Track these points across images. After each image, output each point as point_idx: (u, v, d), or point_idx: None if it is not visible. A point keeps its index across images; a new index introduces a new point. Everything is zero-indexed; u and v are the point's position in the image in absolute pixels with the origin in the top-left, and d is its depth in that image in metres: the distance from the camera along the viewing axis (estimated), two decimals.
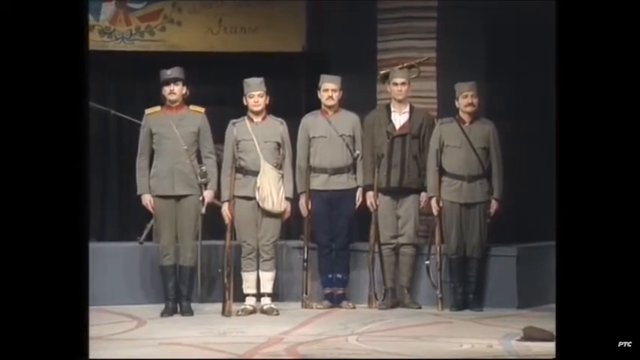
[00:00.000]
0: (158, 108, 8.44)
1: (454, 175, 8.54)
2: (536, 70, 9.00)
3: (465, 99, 8.55)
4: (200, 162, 8.37)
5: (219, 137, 8.54)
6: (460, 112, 8.60)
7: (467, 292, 8.54)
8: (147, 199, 8.35)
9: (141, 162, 8.39)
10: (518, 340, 6.96)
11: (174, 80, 8.32)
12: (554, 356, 5.76)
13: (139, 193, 8.39)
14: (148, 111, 8.45)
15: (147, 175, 8.35)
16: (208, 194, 8.32)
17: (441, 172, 8.57)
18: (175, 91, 8.33)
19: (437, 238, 8.60)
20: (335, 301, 8.71)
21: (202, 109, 8.45)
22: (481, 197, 8.54)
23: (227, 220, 8.43)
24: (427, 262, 8.64)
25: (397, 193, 8.72)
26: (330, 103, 8.71)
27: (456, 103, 8.60)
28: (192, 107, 8.44)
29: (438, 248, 8.58)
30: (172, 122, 8.31)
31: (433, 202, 8.59)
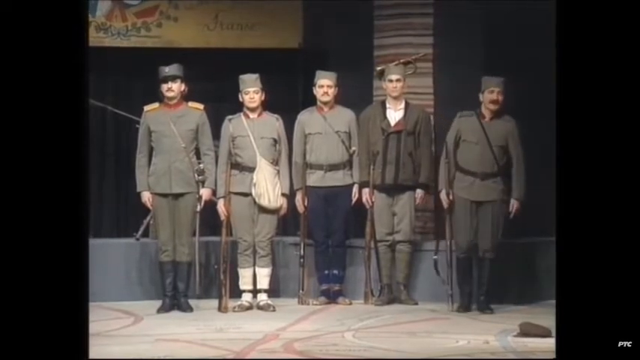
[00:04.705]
0: (157, 104, 8.44)
1: (467, 171, 8.31)
2: (534, 67, 9.01)
3: (491, 94, 8.30)
4: (199, 159, 8.37)
5: (215, 134, 8.55)
6: (482, 107, 8.37)
7: (478, 294, 8.29)
8: (146, 197, 8.35)
9: (140, 159, 8.39)
10: (514, 336, 6.98)
11: (173, 78, 8.31)
12: (550, 351, 5.78)
13: (138, 190, 8.39)
14: (146, 108, 8.45)
15: (146, 173, 8.35)
16: (206, 192, 8.32)
17: (455, 167, 8.34)
18: (173, 88, 8.33)
19: (447, 234, 8.36)
20: (331, 298, 8.72)
21: (201, 106, 8.45)
22: (494, 196, 8.29)
23: (223, 217, 8.43)
24: (435, 257, 8.42)
25: (393, 190, 8.71)
26: (326, 99, 8.72)
27: (480, 97, 8.35)
28: (191, 104, 8.44)
29: (448, 243, 8.35)
30: (170, 120, 8.31)
31: (443, 195, 8.36)
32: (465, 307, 8.27)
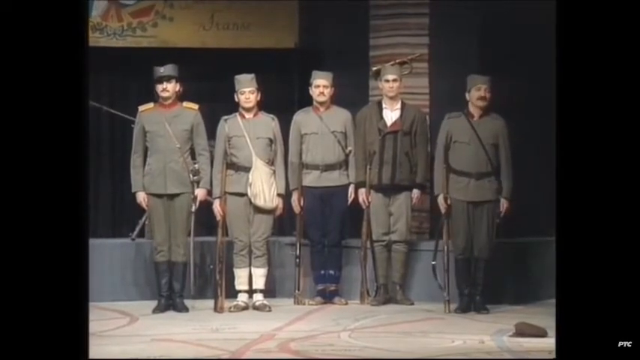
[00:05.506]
0: (151, 105, 8.44)
1: (461, 172, 8.26)
2: (530, 67, 9.02)
3: (478, 92, 8.25)
4: (194, 159, 8.37)
5: (211, 134, 8.54)
6: (470, 106, 8.33)
7: (474, 294, 8.24)
8: (141, 197, 8.35)
9: (135, 159, 8.39)
10: (510, 336, 6.99)
11: (168, 78, 8.31)
12: (545, 351, 5.78)
13: (133, 190, 8.39)
14: (141, 108, 8.45)
15: (141, 173, 8.35)
16: (201, 192, 8.31)
17: (448, 168, 8.28)
18: (168, 88, 8.32)
19: (444, 237, 8.28)
20: (327, 298, 8.73)
21: (196, 106, 8.45)
22: (490, 196, 8.24)
23: (218, 217, 8.43)
24: (433, 262, 8.30)
25: (389, 190, 8.71)
26: (322, 99, 8.72)
27: (467, 96, 8.32)
28: (186, 104, 8.44)
29: (446, 247, 8.26)
30: (165, 120, 8.31)
31: (440, 199, 8.30)
32: (463, 309, 8.22)
